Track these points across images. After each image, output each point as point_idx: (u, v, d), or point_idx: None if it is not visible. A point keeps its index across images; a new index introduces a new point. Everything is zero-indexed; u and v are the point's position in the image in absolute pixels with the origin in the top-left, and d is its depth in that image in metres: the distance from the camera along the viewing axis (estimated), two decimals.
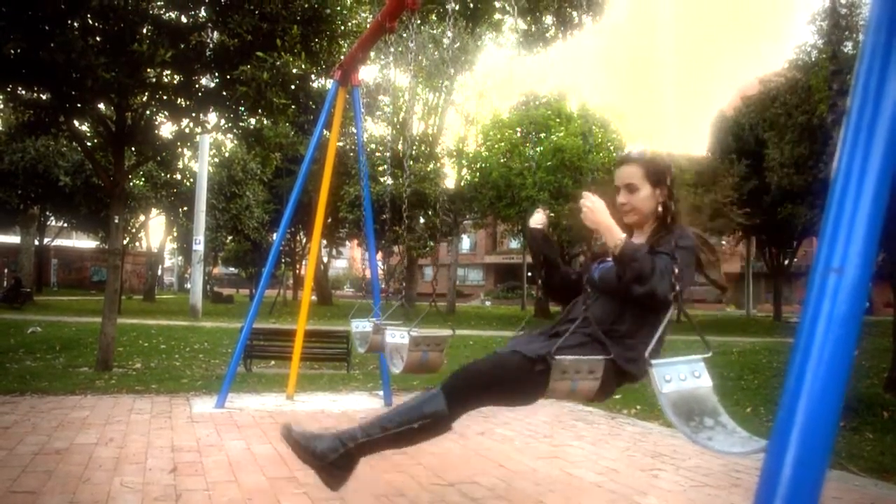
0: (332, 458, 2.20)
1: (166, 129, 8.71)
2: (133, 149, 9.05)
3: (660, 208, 2.40)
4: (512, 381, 2.23)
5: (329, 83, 6.67)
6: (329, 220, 26.18)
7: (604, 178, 19.04)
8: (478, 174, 22.67)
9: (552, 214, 19.51)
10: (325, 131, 6.29)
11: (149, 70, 7.36)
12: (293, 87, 7.59)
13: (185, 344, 10.73)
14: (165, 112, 8.10)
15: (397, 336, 3.46)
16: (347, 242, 39.29)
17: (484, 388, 2.25)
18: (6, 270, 30.28)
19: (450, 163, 24.83)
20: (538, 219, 2.71)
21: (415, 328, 3.25)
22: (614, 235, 2.23)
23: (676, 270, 2.14)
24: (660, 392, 1.91)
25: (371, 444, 2.25)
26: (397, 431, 2.23)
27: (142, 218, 25.96)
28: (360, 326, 4.50)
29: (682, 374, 1.96)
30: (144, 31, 7.26)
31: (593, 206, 2.31)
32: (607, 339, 2.26)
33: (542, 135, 22.04)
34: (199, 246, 19.79)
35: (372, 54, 12.24)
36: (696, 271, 2.36)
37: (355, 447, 2.23)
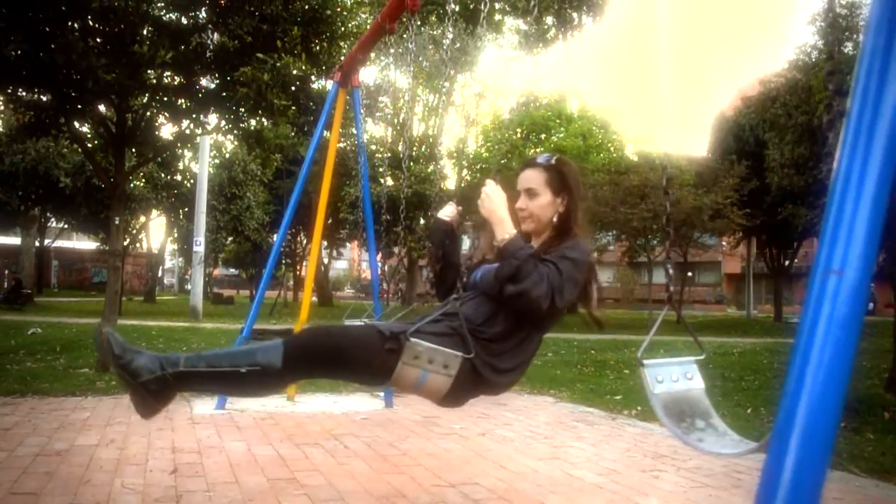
0: (147, 379, 1.98)
1: (167, 131, 8.72)
2: (133, 150, 9.05)
3: (555, 218, 2.30)
4: (358, 353, 2.03)
5: (329, 84, 6.67)
6: (329, 222, 26.18)
7: (602, 179, 19.08)
8: (478, 175, 22.70)
9: None
10: (325, 132, 6.29)
11: (149, 71, 7.37)
12: (293, 88, 7.59)
13: (186, 345, 10.73)
14: (166, 113, 8.10)
15: None
16: (348, 243, 39.32)
17: (327, 353, 2.05)
18: (7, 271, 30.30)
19: (450, 164, 24.85)
20: (447, 211, 2.61)
21: None
22: (504, 228, 2.14)
23: (556, 280, 2.03)
24: (651, 393, 1.91)
25: (192, 376, 2.03)
26: (221, 370, 2.02)
27: (142, 219, 25.97)
28: None
29: (674, 375, 1.96)
30: (145, 32, 7.27)
31: (491, 195, 2.21)
32: (472, 339, 2.09)
33: (543, 136, 22.08)
34: (199, 247, 19.79)
35: (372, 55, 12.25)
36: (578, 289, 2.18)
37: (174, 375, 2.00)
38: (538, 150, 22.09)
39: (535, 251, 2.13)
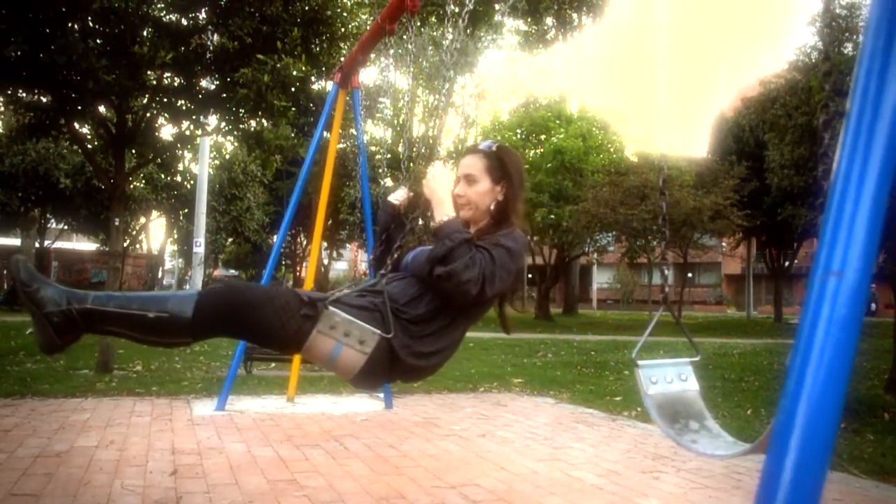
0: (51, 310, 1.90)
1: (167, 132, 8.72)
2: (133, 151, 9.06)
3: (492, 206, 2.24)
4: (273, 314, 1.94)
5: (329, 85, 6.67)
6: (329, 222, 26.17)
7: (602, 180, 19.07)
8: None
9: (553, 217, 19.63)
10: (325, 133, 6.29)
11: (149, 72, 7.37)
12: (293, 89, 7.60)
13: (186, 346, 10.71)
14: (166, 114, 8.10)
15: None
16: (348, 244, 39.31)
17: (242, 308, 1.95)
18: (6, 272, 30.29)
19: (450, 164, 24.83)
20: (398, 194, 2.58)
21: None
22: (444, 210, 2.07)
23: (488, 267, 1.97)
24: (645, 394, 1.91)
25: (99, 316, 1.93)
26: (128, 312, 1.93)
27: (142, 220, 26.00)
28: None
29: (668, 376, 1.95)
30: (145, 33, 7.27)
31: (436, 176, 2.16)
32: (393, 319, 2.02)
33: (542, 136, 22.08)
34: (199, 248, 19.77)
35: (372, 56, 12.26)
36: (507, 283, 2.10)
37: (80, 312, 1.91)
38: (538, 150, 22.10)
39: (471, 237, 2.05)
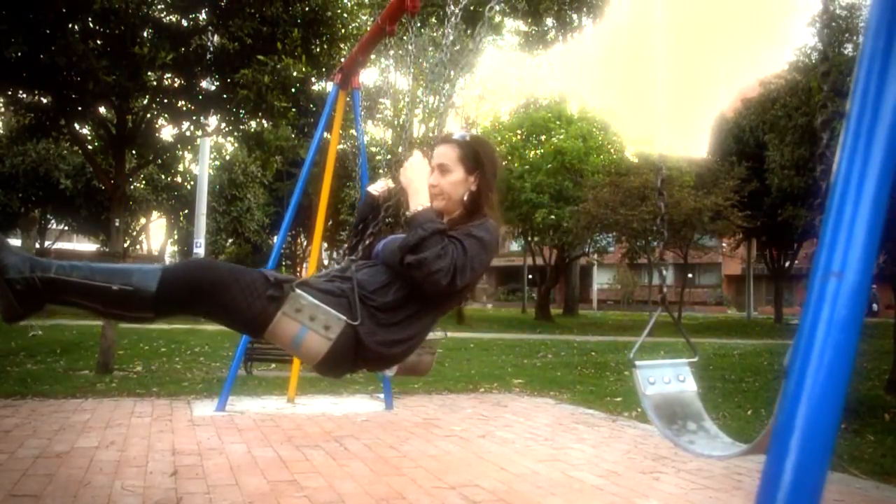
0: (13, 277, 1.85)
1: (167, 133, 8.73)
2: (134, 152, 9.06)
3: (465, 196, 2.19)
4: (238, 293, 1.91)
5: (329, 86, 6.66)
6: (330, 223, 26.18)
7: (602, 181, 19.08)
8: None
9: (553, 217, 19.63)
10: (325, 134, 6.29)
11: (149, 73, 7.37)
12: (294, 90, 7.60)
13: (186, 347, 10.73)
14: (166, 115, 8.11)
15: None
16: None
17: (207, 286, 1.92)
18: None
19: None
20: (378, 185, 2.57)
21: None
22: (418, 200, 2.04)
23: (460, 258, 1.95)
24: (642, 394, 1.91)
25: (62, 286, 1.89)
26: (91, 284, 1.88)
27: (142, 221, 25.99)
28: None
29: (666, 377, 1.95)
30: (145, 34, 7.28)
31: (414, 164, 2.13)
32: (360, 305, 1.99)
33: (543, 137, 22.08)
34: (199, 249, 19.75)
35: (372, 57, 12.26)
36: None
37: (42, 281, 1.87)
38: (538, 151, 22.09)
39: (444, 228, 2.02)
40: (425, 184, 2.10)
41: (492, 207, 2.21)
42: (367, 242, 2.34)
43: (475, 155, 2.21)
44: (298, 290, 1.94)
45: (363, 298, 2.01)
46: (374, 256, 2.23)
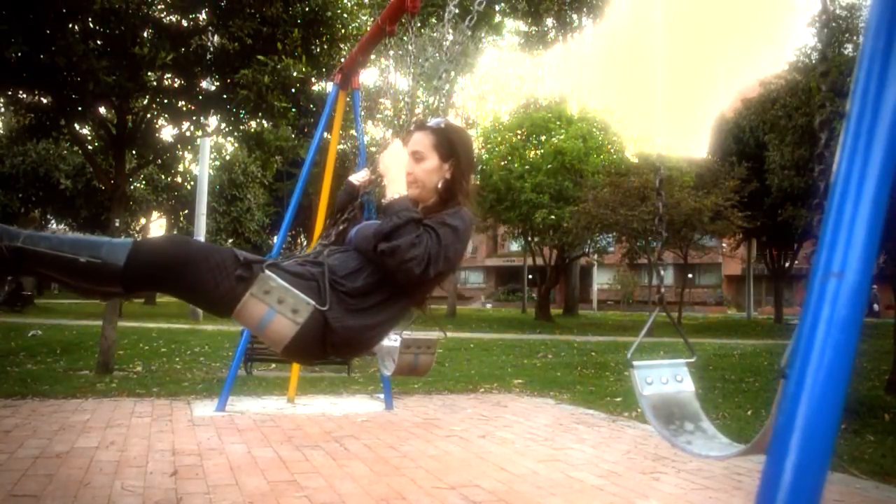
0: None
1: (167, 133, 8.73)
2: (134, 152, 9.06)
3: (439, 184, 2.16)
4: (207, 271, 1.88)
5: (329, 86, 6.66)
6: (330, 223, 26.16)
7: (602, 181, 19.08)
8: (478, 177, 22.70)
9: (553, 217, 19.63)
10: (325, 134, 6.29)
11: (150, 73, 7.38)
12: (294, 90, 7.60)
13: (186, 347, 10.73)
14: (166, 115, 8.11)
15: (389, 339, 3.42)
16: None
17: (176, 264, 1.89)
18: None
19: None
20: (360, 175, 2.57)
21: (406, 331, 3.24)
22: (395, 188, 2.03)
23: (434, 248, 1.92)
24: (640, 394, 1.91)
25: (31, 256, 1.86)
26: (60, 255, 1.86)
27: (142, 221, 25.97)
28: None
29: (663, 377, 1.95)
30: (145, 34, 7.28)
31: (393, 152, 2.12)
32: (330, 290, 1.96)
33: (543, 137, 22.07)
34: None
35: (372, 57, 12.26)
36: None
37: (10, 250, 1.84)
38: (538, 151, 22.09)
39: (419, 217, 1.99)
40: (402, 172, 2.09)
41: (466, 196, 2.19)
42: (342, 228, 2.34)
43: (450, 143, 2.19)
44: (268, 272, 1.91)
45: (333, 283, 1.99)
46: (348, 242, 2.21)
